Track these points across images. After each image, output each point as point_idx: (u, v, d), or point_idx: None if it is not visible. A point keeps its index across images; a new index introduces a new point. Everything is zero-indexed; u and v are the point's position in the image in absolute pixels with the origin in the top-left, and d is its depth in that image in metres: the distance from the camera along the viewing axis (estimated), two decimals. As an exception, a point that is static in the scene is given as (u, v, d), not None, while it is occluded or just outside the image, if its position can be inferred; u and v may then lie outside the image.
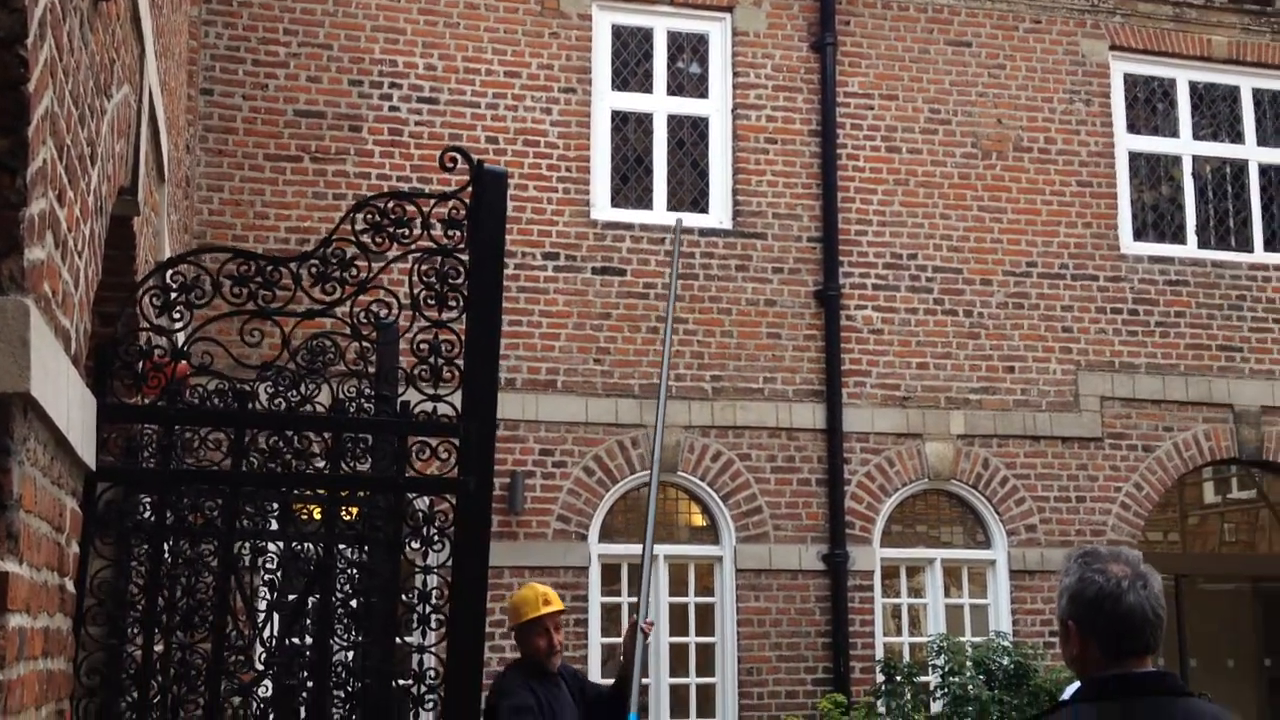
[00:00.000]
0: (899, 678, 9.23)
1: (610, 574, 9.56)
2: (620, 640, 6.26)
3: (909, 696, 9.20)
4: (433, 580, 3.46)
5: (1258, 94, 11.40)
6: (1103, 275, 10.61)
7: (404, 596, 3.54)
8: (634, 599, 9.52)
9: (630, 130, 10.27)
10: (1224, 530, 11.50)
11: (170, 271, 3.56)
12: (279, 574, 3.81)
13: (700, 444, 9.70)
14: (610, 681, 6.32)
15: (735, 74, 10.30)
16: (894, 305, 10.22)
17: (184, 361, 3.43)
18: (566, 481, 9.42)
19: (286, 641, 3.69)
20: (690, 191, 10.28)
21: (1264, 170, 11.33)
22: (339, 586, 3.77)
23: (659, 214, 10.06)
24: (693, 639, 9.60)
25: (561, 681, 5.75)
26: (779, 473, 9.81)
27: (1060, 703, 2.68)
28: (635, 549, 9.63)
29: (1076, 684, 6.55)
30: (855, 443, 9.96)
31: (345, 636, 3.79)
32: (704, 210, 10.20)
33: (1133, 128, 11.10)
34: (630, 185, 10.18)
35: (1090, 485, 10.31)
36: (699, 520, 9.91)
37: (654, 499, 6.90)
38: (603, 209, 9.95)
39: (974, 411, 10.20)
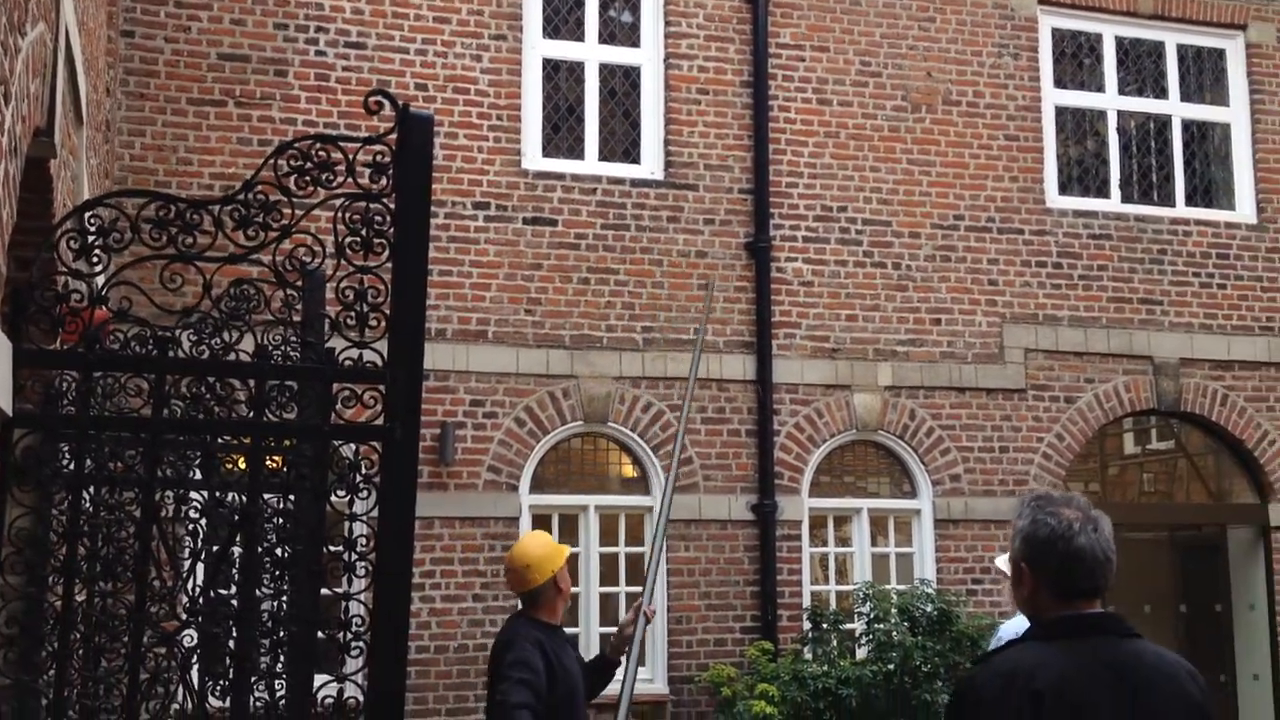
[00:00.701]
0: (825, 625, 9.37)
1: (541, 525, 9.57)
2: (619, 625, 5.82)
3: (835, 643, 9.35)
4: (359, 528, 3.43)
5: (1182, 50, 11.55)
6: (1028, 229, 10.75)
7: (330, 545, 3.52)
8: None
9: (562, 79, 10.19)
10: (1143, 480, 11.76)
11: (88, 214, 3.48)
12: (203, 523, 3.78)
13: (631, 395, 9.72)
14: (596, 654, 5.94)
15: (667, 23, 10.24)
16: (824, 257, 10.28)
17: (103, 307, 3.36)
18: (497, 432, 9.41)
19: (211, 591, 3.66)
20: (622, 142, 10.23)
21: (1186, 126, 11.50)
22: (264, 535, 3.74)
23: (590, 164, 10.02)
24: (623, 589, 9.67)
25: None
26: (709, 424, 9.87)
27: (1010, 642, 2.73)
28: (566, 500, 9.67)
29: (1002, 630, 6.67)
30: (785, 394, 10.04)
31: (271, 585, 3.77)
32: (635, 161, 10.17)
33: (1060, 82, 11.21)
34: (562, 135, 10.12)
35: (1014, 436, 10.49)
36: (630, 471, 9.95)
37: (669, 494, 6.47)
38: (534, 158, 9.88)
39: (901, 363, 10.31)
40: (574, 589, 9.51)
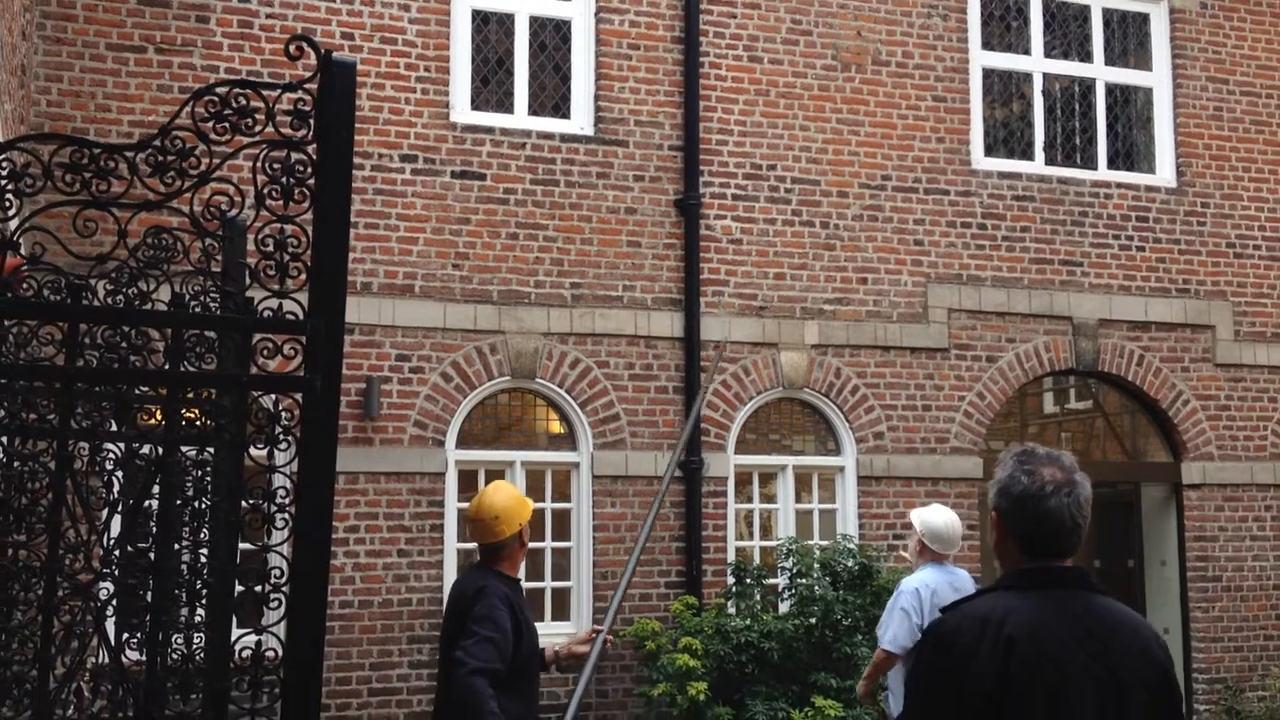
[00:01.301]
0: (749, 580, 9.48)
1: (467, 480, 9.56)
2: (571, 642, 5.71)
3: (758, 598, 9.47)
4: (279, 481, 3.40)
5: (1107, 14, 11.69)
6: (954, 190, 10.85)
7: (249, 497, 3.48)
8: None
9: (491, 31, 10.08)
10: (1061, 439, 11.99)
11: (0, 158, 3.39)
12: (119, 474, 3.72)
13: (559, 351, 9.71)
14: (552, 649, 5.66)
15: (598, -23, 10.16)
16: (753, 215, 10.31)
17: (14, 253, 3.29)
18: (424, 387, 9.36)
19: (127, 543, 3.62)
20: (552, 96, 10.16)
21: (1110, 90, 11.66)
22: (182, 487, 3.69)
23: (520, 118, 9.94)
24: (549, 544, 9.69)
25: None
26: (636, 380, 9.89)
27: (980, 590, 2.77)
28: (492, 455, 9.66)
29: (903, 584, 6.79)
30: (712, 351, 10.07)
31: (188, 537, 3.73)
32: (565, 116, 10.11)
33: (987, 44, 11.30)
34: (491, 88, 10.02)
35: (936, 394, 10.63)
36: (557, 427, 9.96)
37: (645, 534, 6.37)
38: (462, 111, 9.78)
39: (828, 322, 10.39)
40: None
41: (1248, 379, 11.49)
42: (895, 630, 6.61)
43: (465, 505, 9.52)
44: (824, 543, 9.95)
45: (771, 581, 9.70)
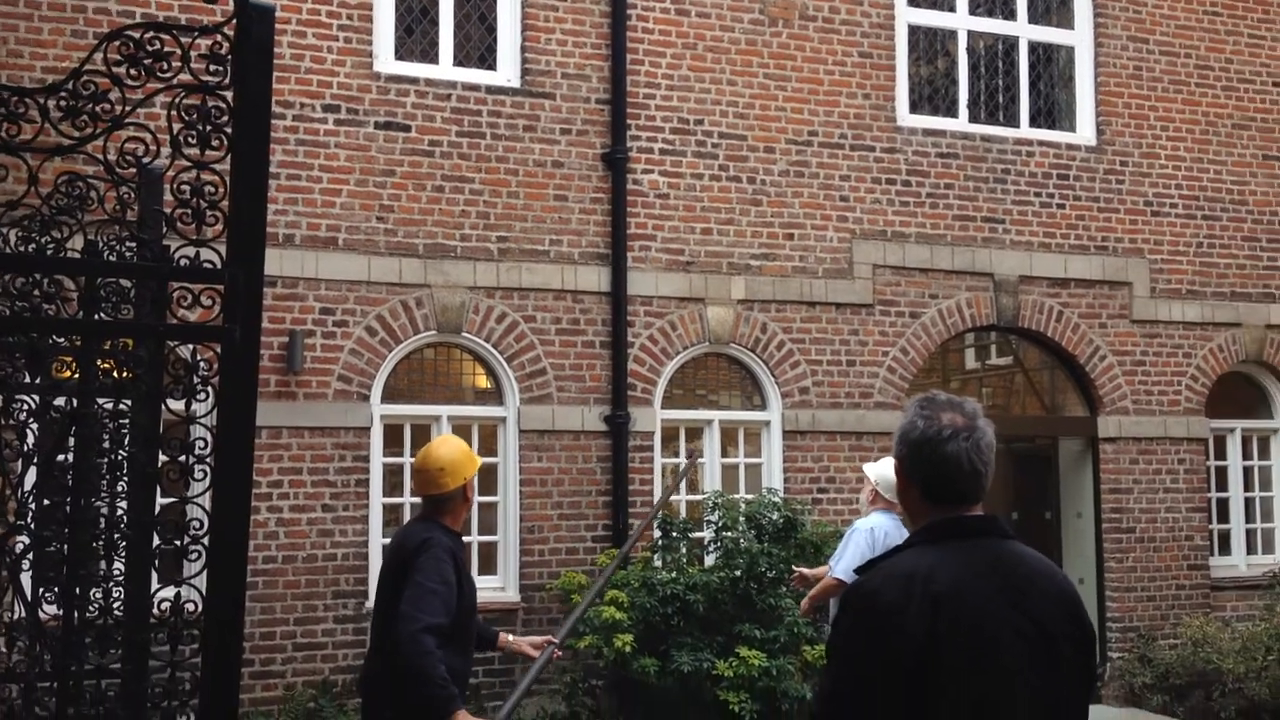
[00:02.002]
0: (675, 534, 9.54)
1: (393, 435, 9.51)
2: (520, 641, 5.71)
3: (684, 551, 9.54)
4: (198, 432, 3.36)
5: (1031, -27, 11.78)
6: (879, 146, 10.92)
7: (167, 449, 3.43)
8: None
9: (416, -20, 9.92)
10: (982, 394, 12.18)
11: (-98, 101, 3.29)
12: (33, 426, 3.65)
13: (485, 305, 9.66)
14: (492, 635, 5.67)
15: (525, -74, 10.03)
16: (680, 170, 10.30)
17: (-81, 199, 3.20)
18: (348, 341, 9.27)
19: (43, 496, 3.56)
20: (477, 47, 10.05)
21: (1033, 48, 11.77)
22: (98, 438, 3.64)
23: (445, 69, 9.82)
24: (475, 499, 9.65)
25: None
26: (563, 335, 9.88)
27: (897, 547, 2.73)
28: (418, 410, 9.60)
29: (857, 523, 7.03)
30: (639, 306, 10.09)
31: (105, 490, 3.67)
32: (491, 67, 10.00)
33: (913, 1, 11.34)
34: (415, 38, 9.88)
35: (860, 350, 10.74)
36: (483, 382, 9.92)
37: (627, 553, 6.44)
38: (386, 61, 9.64)
39: (754, 277, 10.44)
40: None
41: (1163, 335, 11.74)
42: (849, 561, 6.98)
43: (390, 460, 9.48)
44: (749, 497, 10.04)
45: (697, 535, 9.77)
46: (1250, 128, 12.21)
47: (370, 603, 9.02)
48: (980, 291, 11.14)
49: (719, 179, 10.41)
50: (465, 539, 9.44)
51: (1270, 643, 10.47)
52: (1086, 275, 11.49)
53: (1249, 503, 12.21)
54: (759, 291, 10.44)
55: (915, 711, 2.47)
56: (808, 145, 10.68)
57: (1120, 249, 11.65)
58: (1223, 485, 12.11)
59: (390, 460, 9.49)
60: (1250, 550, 12.13)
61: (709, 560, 9.61)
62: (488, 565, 9.65)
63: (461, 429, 9.63)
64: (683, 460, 8.50)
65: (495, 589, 9.40)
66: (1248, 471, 12.22)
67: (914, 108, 11.26)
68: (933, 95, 11.46)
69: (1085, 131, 11.75)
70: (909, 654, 2.47)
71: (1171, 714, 10.53)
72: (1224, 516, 12.09)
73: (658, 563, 9.42)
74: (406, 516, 9.52)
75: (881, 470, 7.29)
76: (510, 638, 5.60)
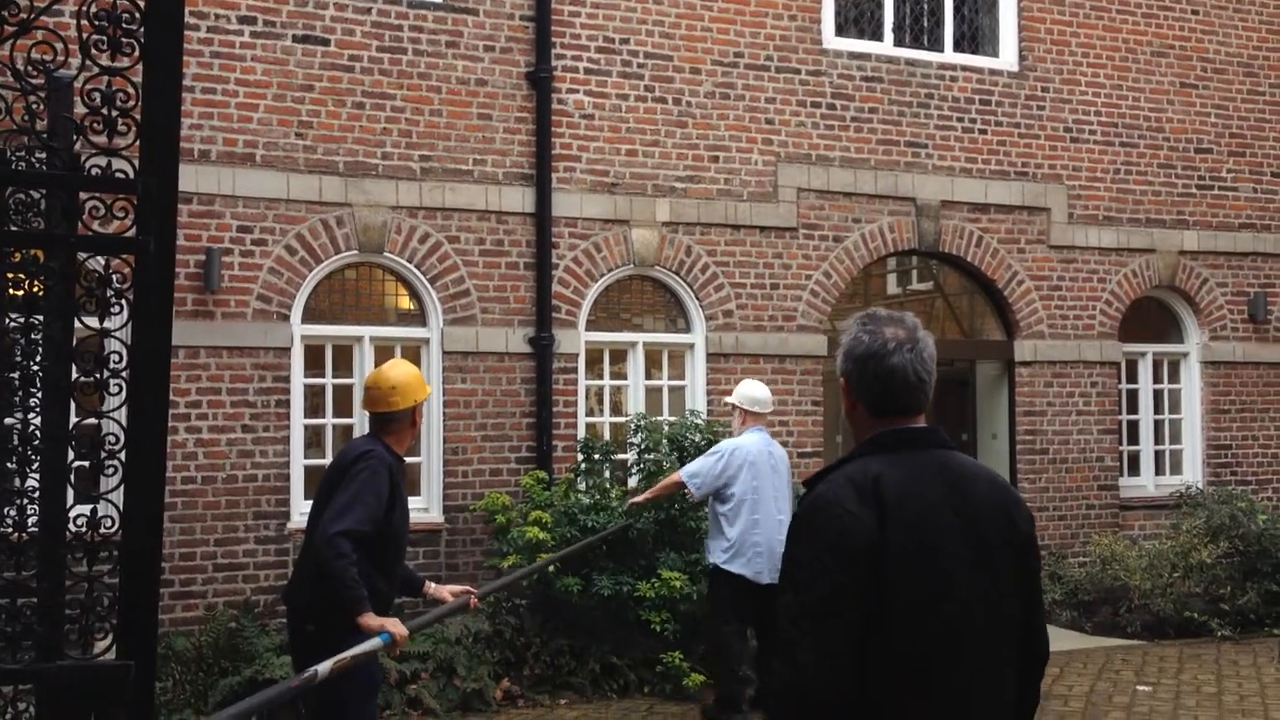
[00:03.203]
0: (598, 456, 9.58)
1: (314, 355, 9.41)
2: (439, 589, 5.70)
3: (607, 473, 9.59)
4: (113, 346, 3.30)
5: (958, -104, 11.75)
6: (805, 69, 10.89)
7: (81, 363, 3.37)
8: (341, 380, 9.45)
9: (334, -111, 9.64)
10: (903, 319, 12.30)
11: None
12: (-60, 341, 3.56)
13: (408, 225, 9.54)
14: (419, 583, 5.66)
15: None
16: (605, 90, 10.20)
17: None
18: (267, 260, 9.12)
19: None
20: (399, -40, 9.81)
21: (959, -28, 11.77)
22: (9, 353, 3.55)
23: (365, -18, 9.60)
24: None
25: None
26: (487, 256, 9.80)
27: (842, 459, 2.75)
28: (340, 330, 9.51)
29: (721, 445, 7.61)
30: (564, 228, 10.03)
31: (19, 405, 3.60)
32: (413, -19, 9.79)
33: (841, -77, 11.27)
34: (334, -50, 9.62)
35: (784, 273, 10.79)
36: (406, 303, 9.84)
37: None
38: (304, -27, 9.39)
39: (679, 200, 10.42)
40: (347, 421, 9.44)
41: (1079, 260, 11.93)
42: (698, 466, 7.92)
43: (312, 382, 9.40)
44: (672, 419, 10.10)
45: (621, 457, 9.83)
46: (1169, 55, 12.36)
47: (292, 524, 9.00)
48: (902, 216, 11.23)
49: (644, 100, 10.33)
50: (388, 460, 9.44)
51: (1175, 560, 10.83)
52: (1006, 201, 11.62)
53: (1158, 425, 12.54)
54: (684, 214, 10.42)
55: (874, 615, 2.52)
56: (733, 67, 10.63)
57: (1040, 175, 11.79)
58: (1134, 408, 12.42)
59: (311, 381, 9.40)
60: (1159, 471, 12.48)
61: (632, 482, 9.67)
62: (412, 487, 9.60)
63: (384, 350, 9.55)
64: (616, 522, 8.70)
65: (419, 510, 9.40)
66: (1158, 395, 12.53)
67: (840, 30, 11.23)
68: (858, 18, 11.43)
69: (1008, 57, 11.81)
70: (870, 558, 2.52)
71: (1080, 629, 10.86)
72: (1134, 439, 12.41)
73: (581, 485, 9.46)
74: (329, 438, 9.47)
75: (741, 389, 8.14)
76: (433, 586, 5.65)
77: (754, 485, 7.88)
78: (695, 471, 7.99)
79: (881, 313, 2.80)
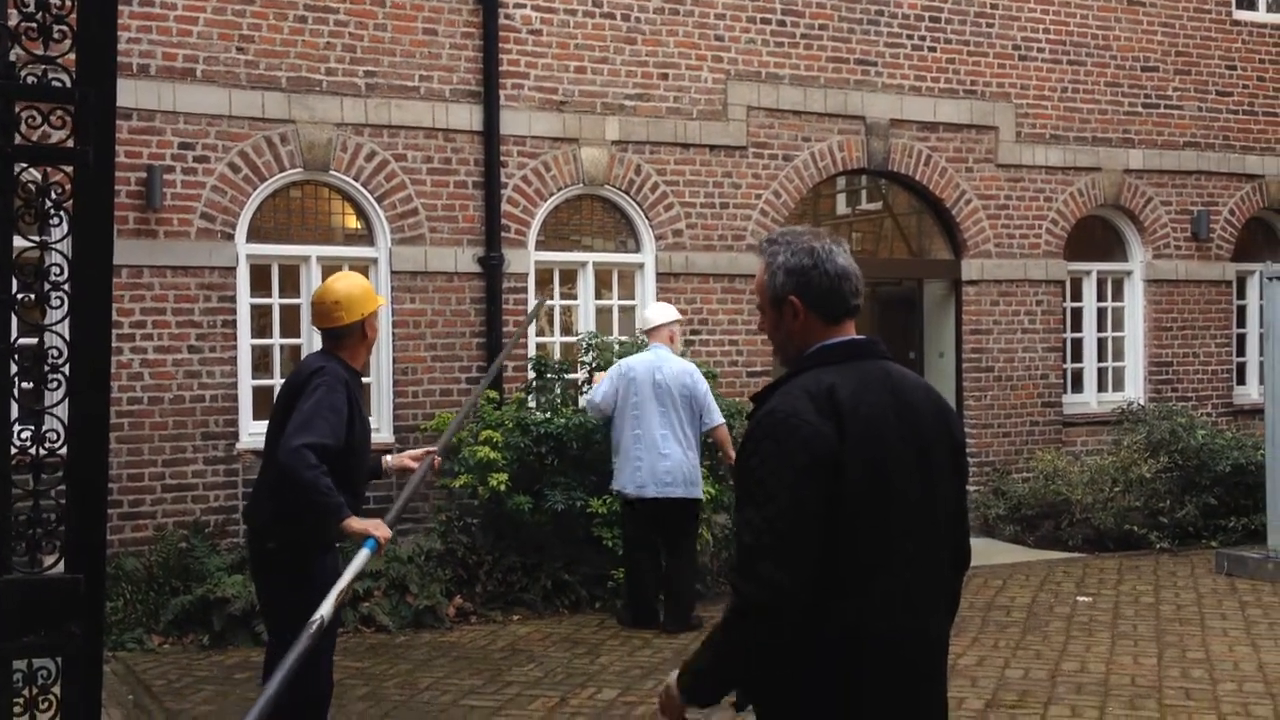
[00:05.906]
0: (549, 375, 9.60)
1: (260, 275, 9.31)
2: (400, 455, 5.66)
3: (558, 392, 9.61)
4: (53, 258, 3.26)
5: None
6: (755, -16, 10.79)
7: (21, 275, 3.32)
8: (288, 300, 9.37)
9: None
10: (853, 238, 12.36)
11: None
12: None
13: (354, 143, 9.42)
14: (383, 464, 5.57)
15: None
16: (553, 6, 10.06)
17: None
18: (210, 178, 8.98)
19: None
20: None
21: (910, -112, 11.65)
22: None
23: (306, -108, 9.36)
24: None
25: None
26: (435, 174, 9.71)
27: (789, 374, 2.76)
28: (285, 250, 9.41)
29: (616, 365, 7.71)
30: (512, 146, 9.94)
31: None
32: (355, -108, 9.56)
33: None
34: None
35: (734, 193, 10.77)
36: (353, 222, 9.74)
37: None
38: (243, -118, 9.15)
39: (628, 118, 10.34)
40: (294, 341, 9.37)
41: (1026, 179, 12.00)
42: (604, 388, 8.35)
43: (258, 302, 9.31)
44: (623, 338, 10.11)
45: (572, 376, 9.84)
46: (1117, -27, 12.35)
47: (240, 444, 8.96)
48: (852, 135, 11.21)
49: (593, 15, 10.20)
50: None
51: (1116, 475, 11.05)
52: (955, 119, 11.63)
53: (1101, 343, 12.72)
54: (633, 133, 10.35)
55: (830, 522, 2.57)
56: (683, -18, 10.50)
57: (988, 93, 11.80)
58: (1078, 326, 12.58)
59: (258, 301, 9.31)
60: (1101, 388, 12.68)
61: (582, 401, 9.70)
62: (361, 407, 9.60)
63: (332, 270, 9.46)
64: (530, 304, 8.71)
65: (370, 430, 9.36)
66: (1101, 313, 12.70)
67: (790, -54, 11.11)
68: (809, -67, 11.30)
69: (959, -27, 11.75)
70: (831, 469, 2.57)
71: (1022, 543, 11.09)
72: (1078, 356, 12.59)
73: (531, 404, 9.48)
74: (276, 359, 9.40)
75: (645, 316, 8.75)
76: (389, 458, 5.60)
77: (634, 401, 8.20)
78: (590, 396, 8.52)
79: (794, 229, 2.86)
